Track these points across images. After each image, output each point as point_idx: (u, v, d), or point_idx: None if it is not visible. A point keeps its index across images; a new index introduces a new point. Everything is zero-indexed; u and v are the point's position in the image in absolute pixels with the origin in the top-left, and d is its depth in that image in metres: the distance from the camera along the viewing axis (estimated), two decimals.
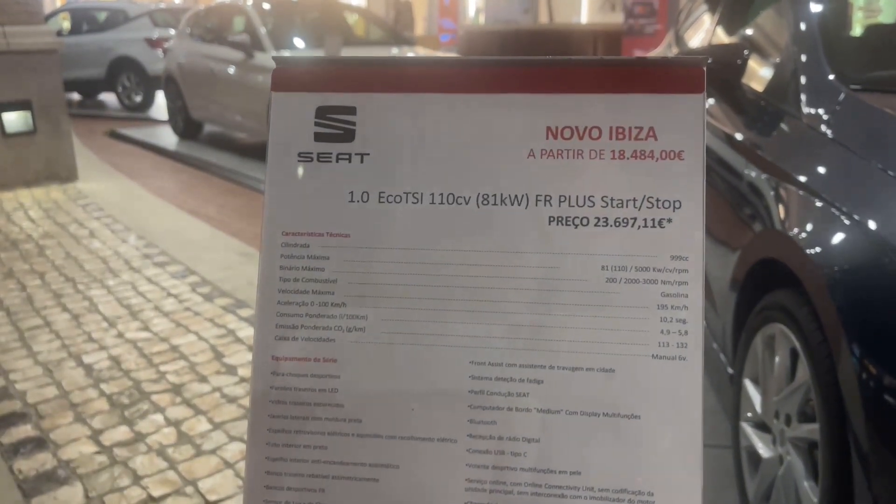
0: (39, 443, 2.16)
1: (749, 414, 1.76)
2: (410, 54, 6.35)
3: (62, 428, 2.24)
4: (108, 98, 9.98)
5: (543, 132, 0.43)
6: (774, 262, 1.60)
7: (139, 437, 2.18)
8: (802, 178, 1.58)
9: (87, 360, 2.69)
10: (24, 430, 2.23)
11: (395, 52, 6.38)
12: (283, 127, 0.45)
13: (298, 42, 6.23)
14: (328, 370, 0.44)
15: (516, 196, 0.43)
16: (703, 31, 3.01)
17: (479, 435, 0.42)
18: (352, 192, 0.44)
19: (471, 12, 14.09)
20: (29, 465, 2.04)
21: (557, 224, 0.43)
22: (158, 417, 2.29)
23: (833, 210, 1.43)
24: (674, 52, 3.34)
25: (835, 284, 1.36)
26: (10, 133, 5.22)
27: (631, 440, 0.41)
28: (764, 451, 1.66)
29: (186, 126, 7.21)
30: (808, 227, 1.49)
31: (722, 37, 2.73)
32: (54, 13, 10.15)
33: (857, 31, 2.04)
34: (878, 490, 1.24)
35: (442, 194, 0.44)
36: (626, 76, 0.43)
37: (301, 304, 0.44)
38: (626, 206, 0.42)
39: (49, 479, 1.98)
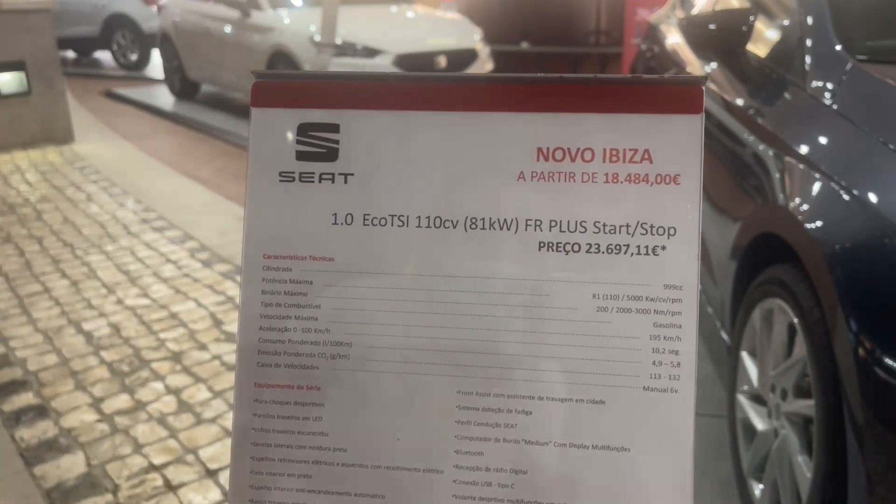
0: (41, 411, 2.18)
1: (745, 387, 1.76)
2: (409, 13, 6.22)
3: (63, 396, 2.26)
4: (104, 56, 9.83)
5: (534, 153, 0.42)
6: (774, 236, 1.59)
7: (140, 406, 2.20)
8: (803, 151, 1.56)
9: (86, 327, 2.70)
10: (26, 398, 2.24)
11: (393, 10, 6.25)
12: (263, 145, 0.44)
13: (295, 0, 6.10)
14: (312, 398, 0.43)
15: (505, 220, 0.42)
16: None
17: (466, 466, 0.42)
18: (335, 214, 0.43)
19: None
20: (31, 434, 2.07)
21: (548, 250, 0.41)
22: (159, 385, 2.31)
23: (833, 185, 1.41)
24: (678, 15, 3.26)
25: (833, 260, 1.34)
26: (4, 94, 5.15)
27: (620, 473, 0.40)
28: (759, 423, 1.67)
29: (183, 86, 7.11)
30: (808, 201, 1.48)
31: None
32: None
33: (869, 8, 1.99)
34: (872, 465, 1.25)
35: (429, 217, 0.42)
36: (621, 94, 0.41)
37: (283, 329, 0.43)
38: (619, 233, 0.41)
39: (51, 448, 2.01)
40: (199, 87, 7.16)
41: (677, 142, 0.40)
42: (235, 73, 6.20)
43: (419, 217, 0.42)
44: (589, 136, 0.41)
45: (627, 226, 0.41)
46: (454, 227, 0.42)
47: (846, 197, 1.37)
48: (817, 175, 1.47)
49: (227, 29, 6.11)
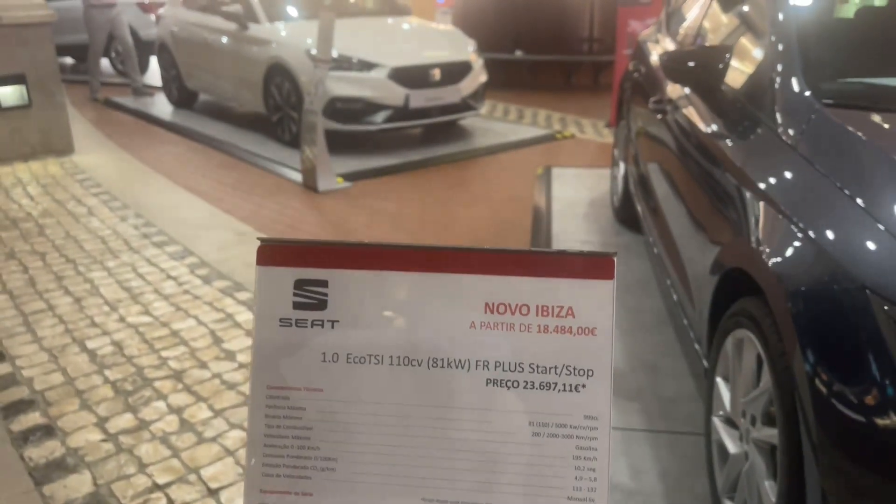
0: (48, 430, 2.27)
1: (720, 411, 1.86)
2: (405, 25, 6.31)
3: (69, 415, 2.34)
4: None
5: (482, 307, 0.52)
6: (744, 271, 1.68)
7: (143, 425, 2.29)
8: (768, 191, 1.65)
9: (90, 345, 2.78)
10: (33, 418, 2.33)
11: (389, 22, 6.34)
12: (267, 296, 0.53)
13: (291, 11, 6.18)
14: (306, 503, 0.53)
15: (460, 360, 0.52)
16: (691, 21, 3.03)
17: None
18: (324, 353, 0.53)
19: None
20: (39, 453, 2.15)
21: (494, 385, 0.52)
22: (161, 405, 2.40)
23: (792, 226, 1.50)
24: (663, 41, 3.35)
25: (791, 297, 1.44)
26: (4, 107, 5.23)
27: None
28: (731, 446, 1.76)
29: (181, 95, 7.19)
30: (771, 240, 1.57)
31: (708, 29, 2.76)
32: None
33: (835, 37, 2.08)
34: (828, 486, 1.35)
35: (399, 357, 0.52)
36: (550, 263, 0.51)
37: (283, 446, 0.53)
38: (549, 373, 0.51)
39: (58, 467, 2.09)
40: (196, 95, 7.24)
41: (594, 302, 0.50)
42: (232, 83, 6.28)
43: (391, 357, 0.52)
44: (526, 295, 0.51)
45: (556, 367, 0.51)
46: (419, 366, 0.52)
47: (803, 238, 1.46)
48: (779, 215, 1.56)
49: (226, 40, 6.19)
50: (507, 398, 0.51)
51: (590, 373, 0.51)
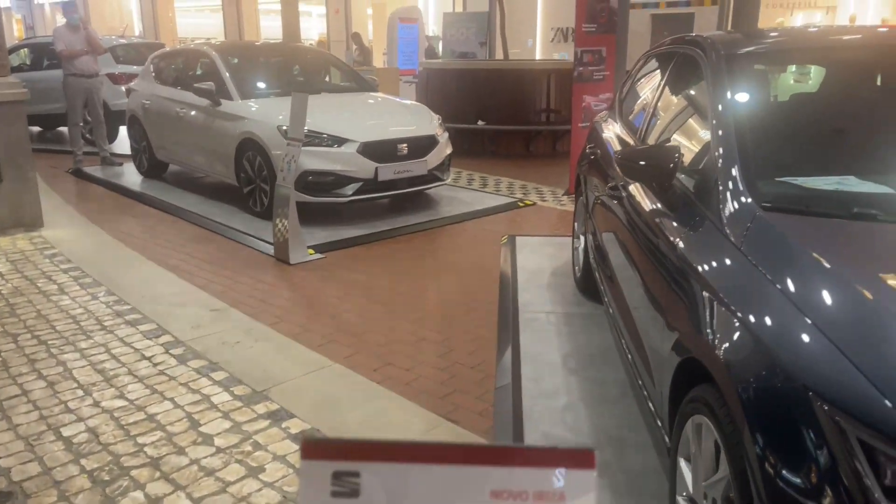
0: None
1: (684, 492, 1.97)
2: (372, 101, 6.55)
3: None
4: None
5: (488, 493, 0.64)
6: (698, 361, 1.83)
7: None
8: (717, 288, 1.82)
9: (65, 432, 2.79)
10: None
11: (358, 98, 6.56)
12: (309, 484, 0.65)
13: (262, 87, 6.37)
14: None
15: None
16: (641, 109, 3.27)
17: None
18: None
19: (429, 38, 14.60)
20: None
21: None
22: (138, 495, 2.42)
23: (740, 323, 1.66)
24: (614, 127, 3.58)
25: (742, 390, 1.58)
26: None
27: None
28: None
29: (150, 165, 7.28)
30: (722, 335, 1.72)
31: (657, 118, 2.99)
32: (15, 48, 10.11)
33: (774, 133, 2.30)
34: None
35: None
36: (543, 457, 0.64)
37: None
38: None
39: None
40: (166, 166, 7.33)
41: (580, 487, 0.63)
42: (205, 156, 6.40)
43: None
44: (523, 482, 0.64)
45: None
46: None
47: (751, 337, 1.62)
48: (728, 312, 1.72)
49: (197, 115, 6.33)
50: None
51: None
